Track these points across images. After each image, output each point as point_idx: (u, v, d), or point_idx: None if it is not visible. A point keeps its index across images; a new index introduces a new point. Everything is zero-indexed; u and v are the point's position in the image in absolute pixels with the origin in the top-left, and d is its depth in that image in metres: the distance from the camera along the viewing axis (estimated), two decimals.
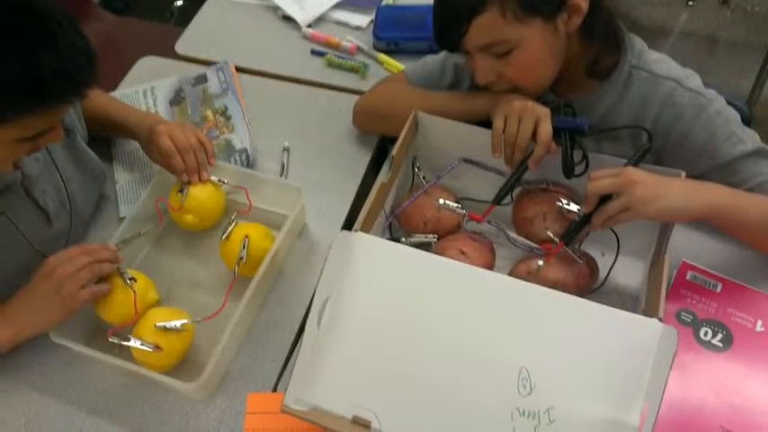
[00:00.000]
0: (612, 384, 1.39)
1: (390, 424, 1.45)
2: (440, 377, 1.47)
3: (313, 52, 2.67)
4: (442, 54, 2.19)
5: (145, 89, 2.52)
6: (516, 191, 1.90)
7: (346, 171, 2.26)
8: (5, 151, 1.63)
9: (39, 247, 1.91)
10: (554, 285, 1.74)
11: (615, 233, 1.81)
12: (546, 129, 1.75)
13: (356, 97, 2.32)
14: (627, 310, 1.44)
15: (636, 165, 1.73)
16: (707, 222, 1.73)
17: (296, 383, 1.50)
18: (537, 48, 1.79)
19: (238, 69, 2.58)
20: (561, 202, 1.81)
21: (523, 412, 1.41)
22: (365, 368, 1.51)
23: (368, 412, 1.47)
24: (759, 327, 1.78)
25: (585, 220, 1.73)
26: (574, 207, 1.78)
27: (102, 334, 1.82)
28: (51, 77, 1.46)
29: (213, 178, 2.05)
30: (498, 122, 1.81)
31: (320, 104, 2.49)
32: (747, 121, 2.00)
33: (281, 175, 2.25)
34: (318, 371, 1.51)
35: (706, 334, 1.78)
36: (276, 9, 2.84)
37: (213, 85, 2.48)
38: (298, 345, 1.78)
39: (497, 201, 1.86)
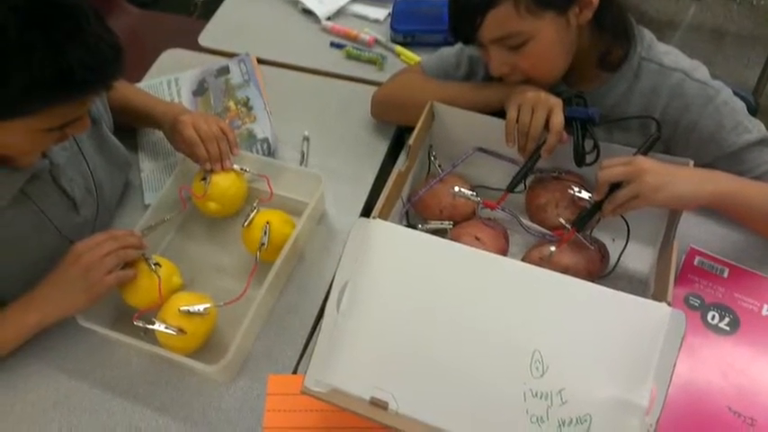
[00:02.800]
0: (622, 367, 1.42)
1: (407, 405, 1.49)
2: (455, 360, 1.50)
3: (332, 44, 2.71)
4: (458, 46, 2.22)
5: (169, 80, 2.56)
6: (529, 179, 1.93)
7: (364, 160, 2.30)
8: (34, 141, 1.67)
9: (66, 234, 1.95)
10: (566, 270, 1.77)
11: (625, 220, 1.84)
12: (558, 119, 1.79)
13: (374, 88, 2.36)
14: (636, 294, 1.47)
15: (645, 153, 1.76)
16: (714, 209, 1.76)
17: (315, 366, 1.54)
18: (549, 40, 1.82)
19: (260, 61, 2.62)
20: (573, 189, 1.84)
21: (536, 393, 1.44)
22: (383, 351, 1.54)
23: (385, 394, 1.50)
24: (765, 311, 1.81)
25: (596, 207, 1.76)
26: (585, 195, 1.82)
27: (127, 318, 1.85)
28: (79, 69, 1.50)
29: (235, 167, 2.08)
30: (512, 113, 1.85)
31: (339, 95, 2.53)
32: (753, 111, 2.04)
33: (301, 164, 2.29)
34: (337, 353, 1.54)
35: (713, 318, 1.81)
36: (296, 3, 2.88)
37: (235, 76, 2.52)
38: (317, 328, 1.82)
39: (511, 188, 1.89)
